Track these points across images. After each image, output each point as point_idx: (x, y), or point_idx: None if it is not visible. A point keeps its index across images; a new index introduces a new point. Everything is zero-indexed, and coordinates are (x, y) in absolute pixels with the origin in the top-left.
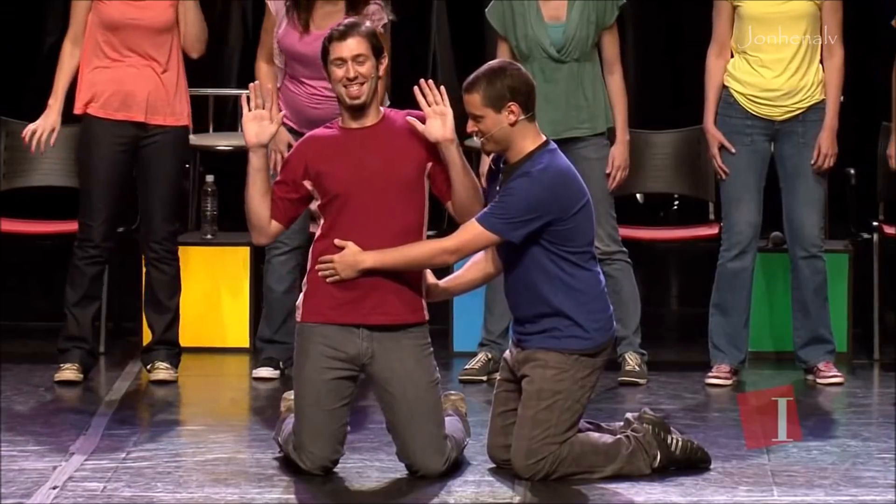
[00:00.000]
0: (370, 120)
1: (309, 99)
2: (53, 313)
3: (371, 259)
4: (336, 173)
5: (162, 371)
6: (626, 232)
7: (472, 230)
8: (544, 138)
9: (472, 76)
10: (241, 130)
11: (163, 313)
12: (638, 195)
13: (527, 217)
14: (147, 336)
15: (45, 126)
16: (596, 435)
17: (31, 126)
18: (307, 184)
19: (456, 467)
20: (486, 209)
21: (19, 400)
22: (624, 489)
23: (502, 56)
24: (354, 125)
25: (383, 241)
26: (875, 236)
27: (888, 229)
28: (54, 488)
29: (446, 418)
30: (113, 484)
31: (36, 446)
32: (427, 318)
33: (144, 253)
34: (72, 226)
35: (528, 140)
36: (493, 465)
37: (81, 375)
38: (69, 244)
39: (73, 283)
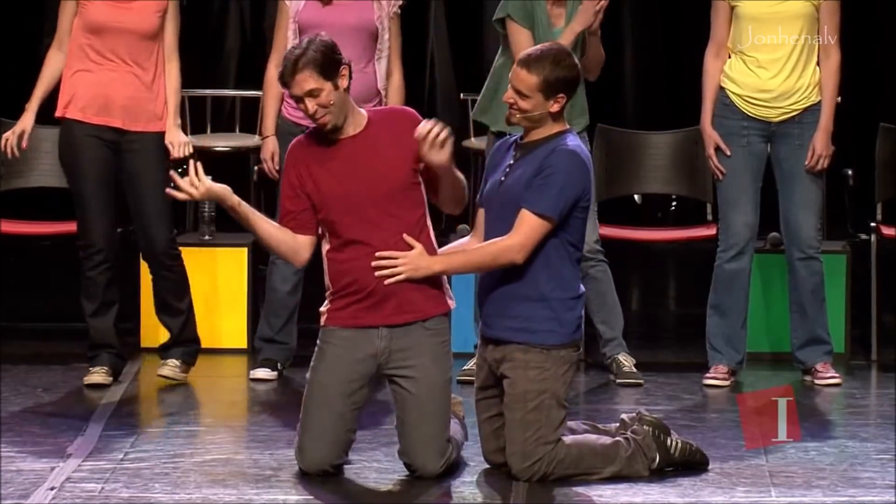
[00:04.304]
0: (353, 129)
1: None
2: (52, 314)
3: (440, 265)
4: (330, 189)
5: (168, 368)
6: (624, 233)
7: (528, 221)
8: (567, 125)
9: (534, 55)
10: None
11: (176, 315)
12: (636, 196)
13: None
14: (146, 338)
15: (16, 129)
16: (594, 437)
17: (6, 134)
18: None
19: (454, 468)
20: (531, 197)
21: (17, 401)
22: (622, 490)
23: (523, 46)
24: (341, 136)
25: (395, 243)
26: (873, 237)
27: (886, 230)
28: (52, 489)
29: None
30: (111, 485)
31: (34, 447)
32: (451, 305)
33: (148, 263)
34: (71, 226)
35: (556, 125)
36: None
37: (111, 378)
38: (69, 244)
39: (88, 294)
